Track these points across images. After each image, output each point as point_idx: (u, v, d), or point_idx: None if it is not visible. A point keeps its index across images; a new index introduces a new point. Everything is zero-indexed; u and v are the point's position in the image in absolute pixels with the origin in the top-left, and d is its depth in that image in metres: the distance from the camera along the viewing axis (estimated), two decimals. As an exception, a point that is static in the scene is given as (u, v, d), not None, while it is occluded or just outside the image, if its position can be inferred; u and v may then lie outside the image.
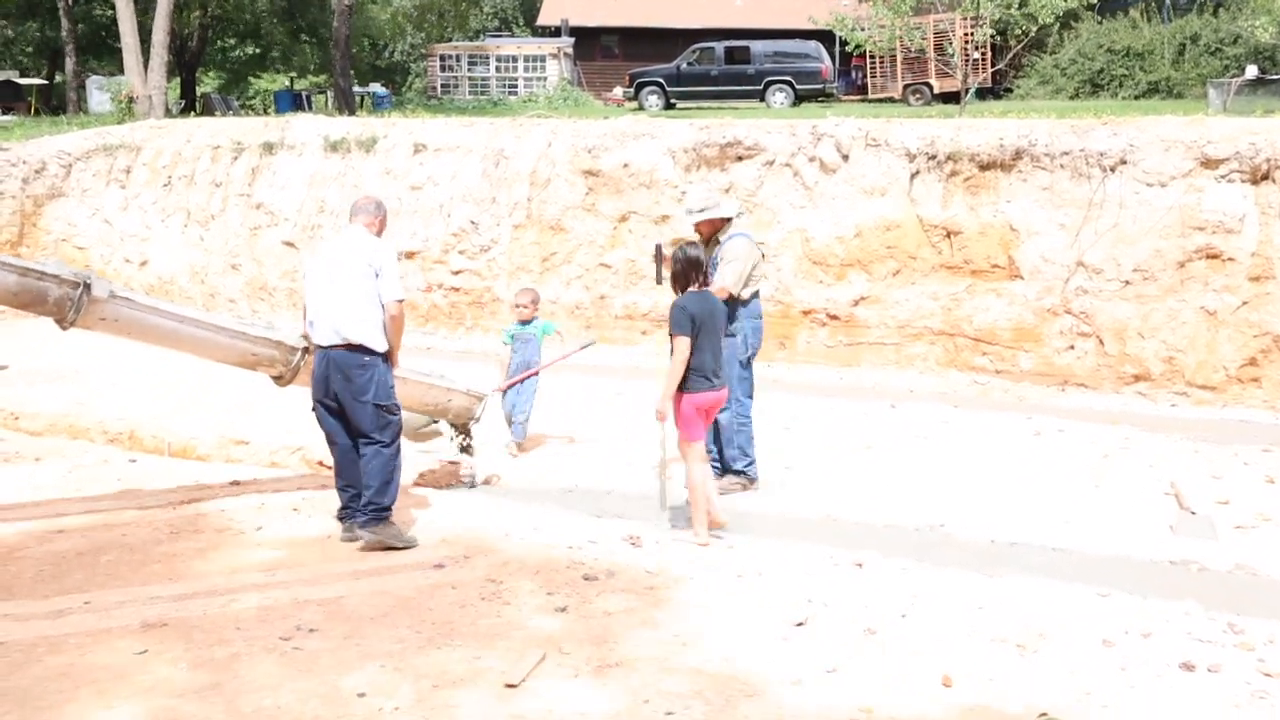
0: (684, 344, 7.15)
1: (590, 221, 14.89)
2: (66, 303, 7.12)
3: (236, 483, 8.77)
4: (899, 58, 31.39)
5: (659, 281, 8.47)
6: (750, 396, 8.56)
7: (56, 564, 6.89)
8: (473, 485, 8.77)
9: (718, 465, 8.53)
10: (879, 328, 13.49)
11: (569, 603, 6.15)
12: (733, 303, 8.26)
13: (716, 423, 8.22)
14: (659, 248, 8.65)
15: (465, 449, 9.01)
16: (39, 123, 22.87)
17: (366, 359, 7.04)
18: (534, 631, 5.78)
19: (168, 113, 24.65)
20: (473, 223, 15.43)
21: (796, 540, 7.44)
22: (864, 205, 13.64)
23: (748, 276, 8.38)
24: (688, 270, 7.32)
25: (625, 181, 14.72)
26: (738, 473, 8.67)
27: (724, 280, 8.24)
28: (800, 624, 6.09)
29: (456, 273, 15.44)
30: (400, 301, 7.10)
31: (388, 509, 7.15)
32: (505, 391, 9.59)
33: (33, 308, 7.18)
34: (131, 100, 24.33)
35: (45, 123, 22.70)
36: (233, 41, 41.96)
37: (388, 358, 7.16)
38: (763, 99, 29.79)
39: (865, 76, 34.25)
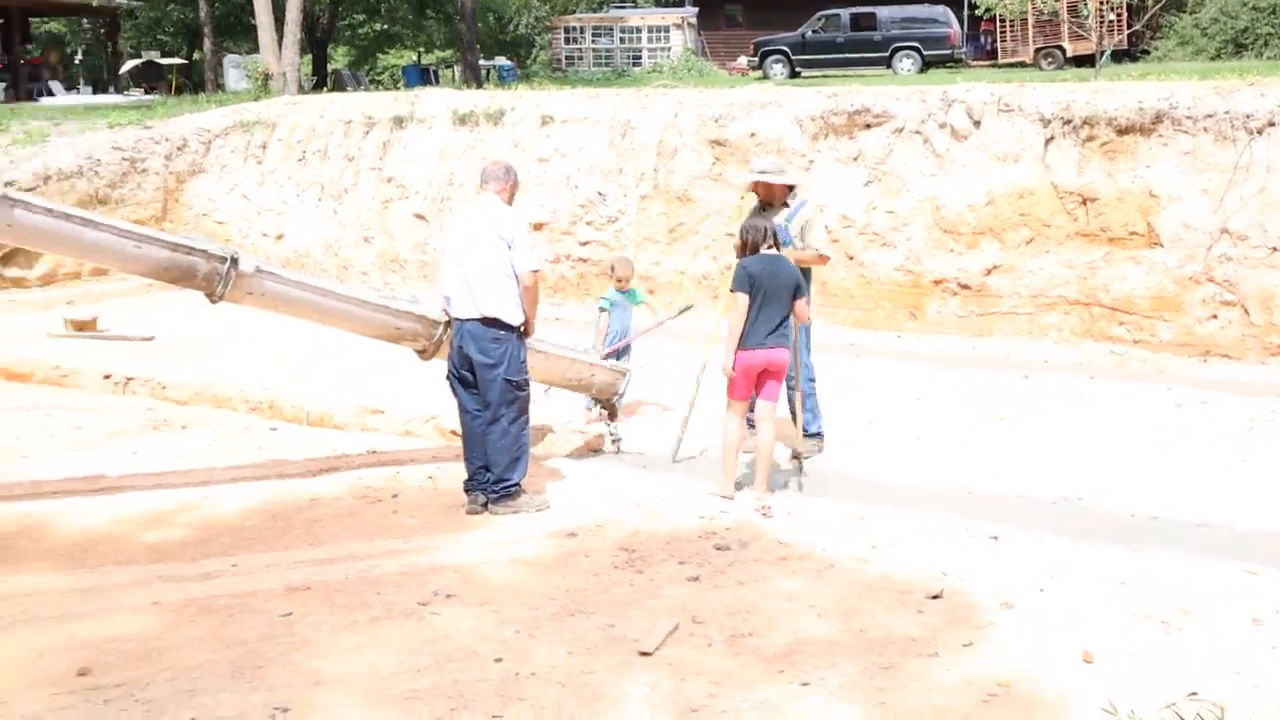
0: (740, 301, 7.28)
1: (717, 191, 14.70)
2: (215, 277, 7.29)
3: (373, 451, 8.91)
4: (1030, 20, 30.57)
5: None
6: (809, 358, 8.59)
7: (204, 529, 7.09)
8: (617, 449, 8.89)
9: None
10: (1012, 297, 13.19)
11: (701, 572, 6.14)
12: (804, 270, 8.26)
13: (790, 387, 8.24)
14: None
15: (610, 417, 9.08)
16: (180, 101, 23.47)
17: (500, 332, 7.09)
18: (667, 600, 5.78)
19: (300, 89, 25.13)
20: (600, 194, 15.41)
21: (929, 511, 7.35)
22: (996, 172, 13.32)
23: None
24: (757, 237, 7.48)
25: (752, 151, 14.44)
26: (816, 434, 8.65)
27: (821, 246, 8.41)
28: (935, 596, 6.01)
29: (584, 244, 15.47)
30: (535, 272, 7.13)
31: (517, 484, 7.22)
32: (606, 358, 9.49)
33: (182, 282, 7.36)
34: (267, 78, 24.89)
35: (186, 101, 23.28)
36: (361, 18, 42.53)
37: (522, 331, 7.19)
38: (889, 66, 29.30)
39: (995, 41, 33.45)
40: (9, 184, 15.34)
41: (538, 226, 15.45)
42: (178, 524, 7.17)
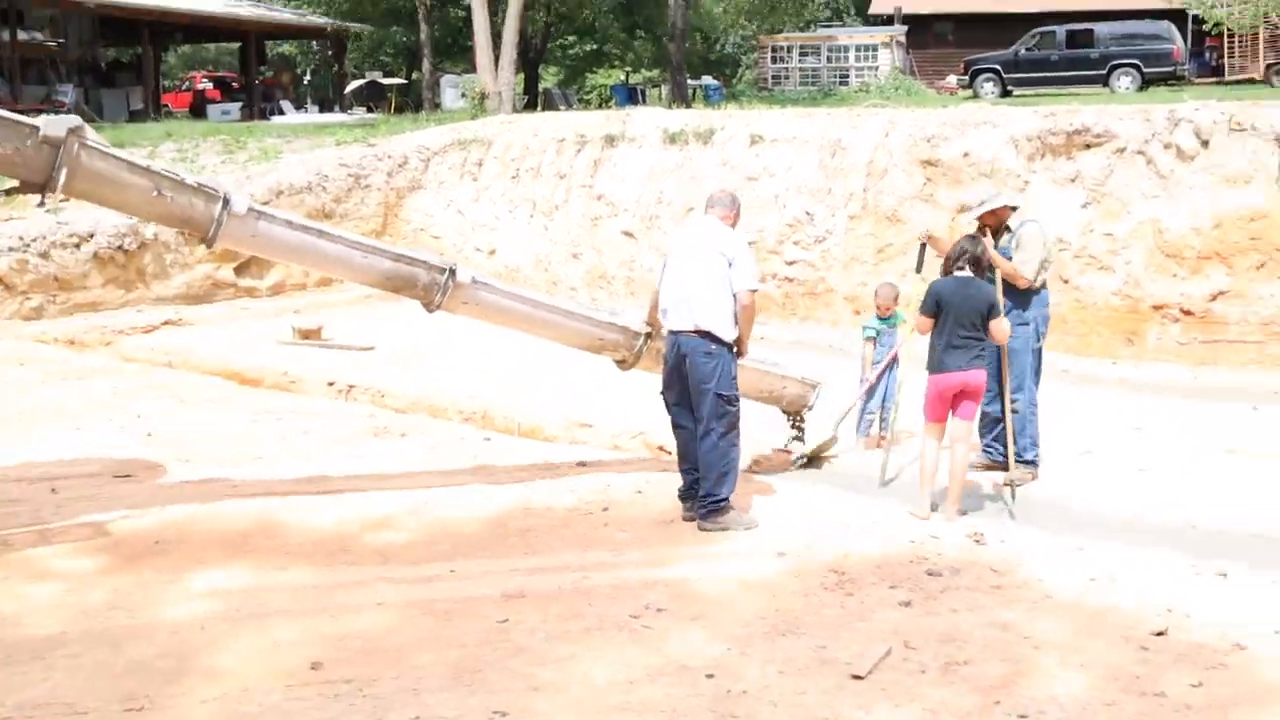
0: (922, 324, 7.46)
1: (928, 212, 14.48)
2: (434, 287, 7.52)
3: (583, 464, 9.00)
4: (1262, 35, 29.18)
5: (918, 270, 8.62)
6: (1037, 385, 8.47)
7: (424, 533, 7.21)
8: (803, 465, 8.82)
9: (989, 451, 8.51)
10: (1239, 324, 12.69)
11: (913, 597, 6.08)
12: (1027, 291, 8.24)
13: (986, 413, 8.20)
14: (929, 236, 8.63)
15: (797, 437, 8.98)
16: (401, 120, 24.37)
17: (714, 346, 7.13)
18: (878, 624, 5.73)
19: (514, 108, 25.77)
20: (808, 213, 15.37)
21: (1151, 545, 7.11)
22: (1225, 194, 12.85)
23: (1040, 263, 8.36)
24: (959, 259, 7.52)
25: (965, 171, 14.36)
26: (1029, 463, 8.46)
27: (1022, 270, 8.20)
28: (1159, 633, 5.76)
29: (790, 263, 15.43)
30: (753, 292, 7.17)
31: (725, 500, 7.21)
32: (873, 388, 9.40)
33: (403, 291, 7.58)
34: (483, 97, 25.61)
35: (406, 120, 24.16)
36: (572, 39, 43.42)
37: (735, 347, 7.23)
38: (1106, 84, 28.34)
39: (1221, 57, 32.04)
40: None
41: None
42: (399, 527, 7.36)
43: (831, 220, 15.19)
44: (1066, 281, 13.54)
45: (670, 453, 8.13)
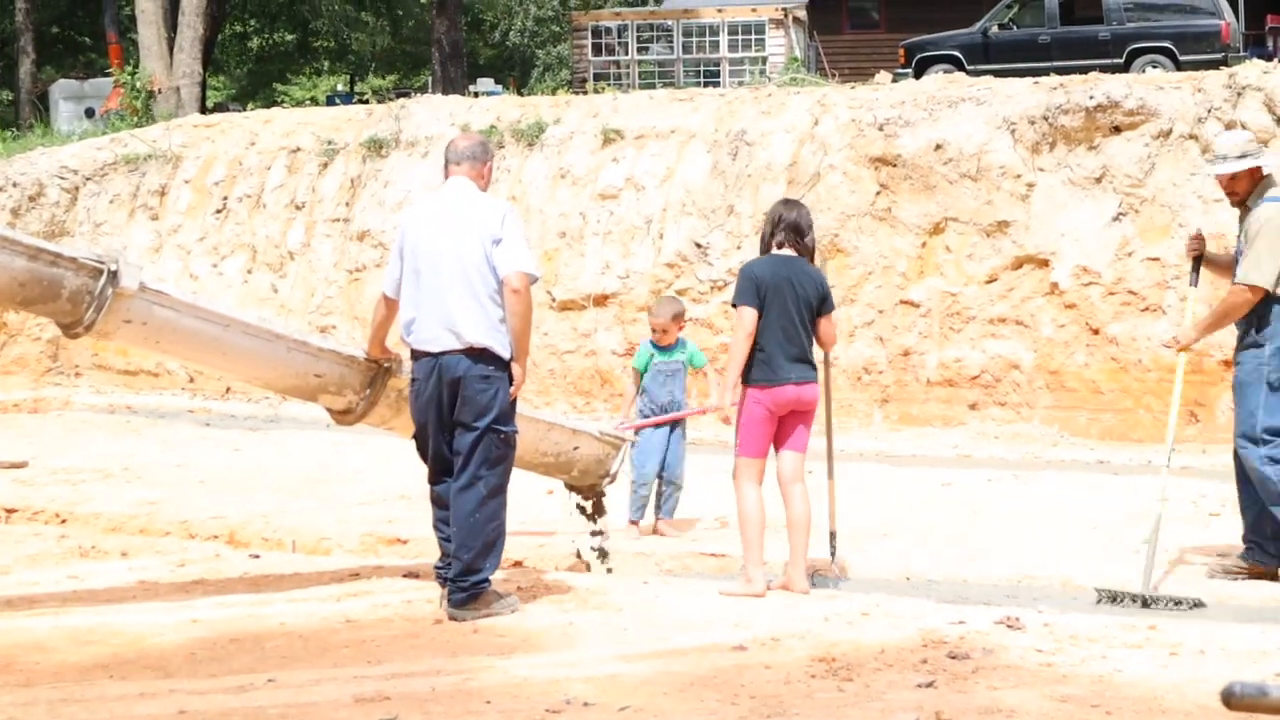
0: (744, 317, 6.62)
1: (884, 236, 11.92)
2: (84, 298, 6.50)
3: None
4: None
5: (1193, 285, 7.61)
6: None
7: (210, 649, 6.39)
8: (606, 568, 7.71)
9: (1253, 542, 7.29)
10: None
11: (936, 678, 5.42)
12: (1266, 300, 7.14)
13: (1247, 479, 7.10)
14: (1198, 237, 7.52)
15: (592, 517, 7.71)
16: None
17: (491, 370, 6.36)
18: (895, 702, 5.15)
19: (202, 111, 20.03)
20: (698, 246, 12.39)
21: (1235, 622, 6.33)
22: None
23: None
24: (776, 229, 6.78)
25: (937, 172, 11.77)
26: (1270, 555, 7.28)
27: (1249, 274, 6.96)
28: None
29: None
30: (526, 275, 6.30)
31: (488, 580, 6.41)
32: (636, 437, 8.39)
33: (36, 306, 6.70)
34: (150, 96, 19.60)
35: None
36: (255, 24, 33.20)
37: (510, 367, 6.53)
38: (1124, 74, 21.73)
39: None
40: None
41: (600, 300, 12.52)
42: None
43: (736, 254, 12.07)
44: (1096, 331, 11.22)
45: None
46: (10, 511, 9.68)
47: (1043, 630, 6.10)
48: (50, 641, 6.28)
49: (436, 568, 6.54)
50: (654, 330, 8.50)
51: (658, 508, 8.36)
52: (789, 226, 6.77)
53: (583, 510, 7.74)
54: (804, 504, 6.77)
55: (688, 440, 8.48)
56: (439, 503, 6.52)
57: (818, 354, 6.93)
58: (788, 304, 6.66)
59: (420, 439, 6.56)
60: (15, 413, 13.26)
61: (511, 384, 6.38)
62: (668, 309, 8.57)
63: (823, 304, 6.76)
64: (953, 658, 5.72)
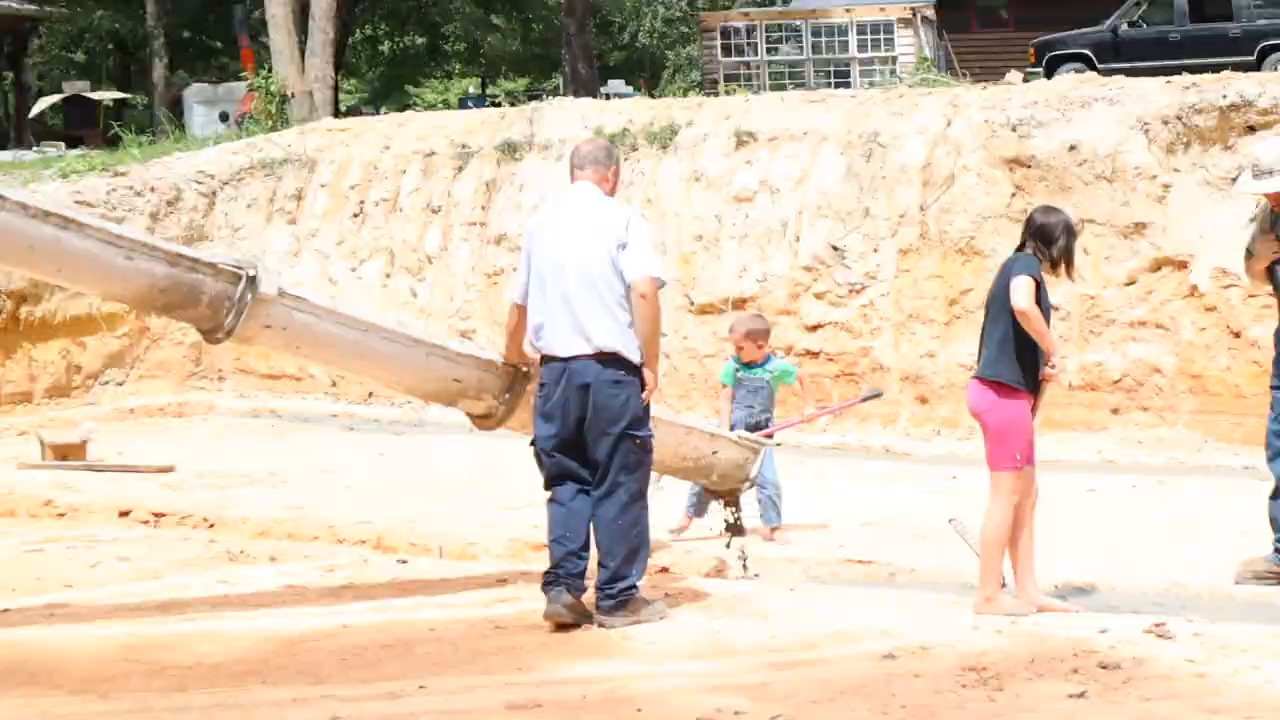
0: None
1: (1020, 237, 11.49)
2: (224, 303, 6.51)
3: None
4: None
5: None
6: None
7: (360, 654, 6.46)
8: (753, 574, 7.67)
9: None
10: None
11: (1088, 689, 5.48)
12: None
13: None
14: None
15: (733, 527, 7.74)
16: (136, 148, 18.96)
17: (622, 374, 6.34)
18: (1047, 713, 5.22)
19: (336, 114, 19.97)
20: (835, 248, 12.33)
21: None
22: None
23: None
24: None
25: (1071, 173, 11.59)
26: None
27: None
28: None
29: (813, 328, 12.37)
30: (654, 279, 6.29)
31: (636, 586, 6.45)
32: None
33: (176, 312, 6.78)
34: (284, 101, 18.99)
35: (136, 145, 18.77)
36: (386, 27, 32.80)
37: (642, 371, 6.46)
38: (1257, 72, 21.51)
39: None
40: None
41: (740, 302, 12.43)
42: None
43: (874, 257, 12.21)
44: (1238, 335, 10.99)
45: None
46: (158, 516, 9.88)
47: (1193, 640, 6.08)
48: (202, 646, 6.39)
49: (546, 574, 6.46)
50: (735, 347, 8.52)
51: (760, 515, 8.30)
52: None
53: (729, 525, 7.68)
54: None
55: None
56: (556, 503, 6.47)
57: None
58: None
59: (540, 444, 6.52)
60: (160, 417, 13.65)
61: (643, 389, 6.38)
62: (741, 327, 8.55)
63: None
64: (1103, 668, 5.74)
